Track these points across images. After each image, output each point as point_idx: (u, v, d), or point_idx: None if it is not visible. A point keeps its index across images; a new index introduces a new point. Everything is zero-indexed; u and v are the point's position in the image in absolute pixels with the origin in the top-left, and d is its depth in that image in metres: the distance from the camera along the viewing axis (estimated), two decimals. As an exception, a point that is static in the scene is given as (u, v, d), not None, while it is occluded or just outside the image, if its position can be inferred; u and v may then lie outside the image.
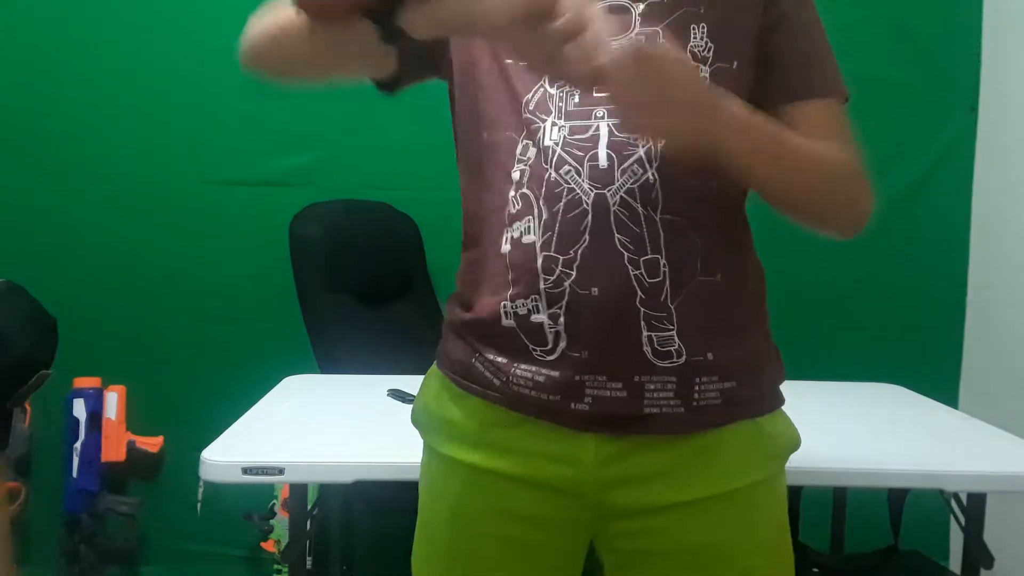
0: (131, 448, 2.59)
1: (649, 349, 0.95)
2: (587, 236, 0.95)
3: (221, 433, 1.63)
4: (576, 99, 0.98)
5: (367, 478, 1.54)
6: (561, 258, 0.96)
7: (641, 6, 0.99)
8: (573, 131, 0.97)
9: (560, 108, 0.98)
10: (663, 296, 0.95)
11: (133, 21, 2.59)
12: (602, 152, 0.96)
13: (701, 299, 0.96)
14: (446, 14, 0.78)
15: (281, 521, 2.50)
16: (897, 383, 2.16)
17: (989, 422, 1.84)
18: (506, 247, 0.99)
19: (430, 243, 2.64)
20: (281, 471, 1.51)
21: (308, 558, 2.34)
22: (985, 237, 2.70)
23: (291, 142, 2.64)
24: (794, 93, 1.02)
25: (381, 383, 1.98)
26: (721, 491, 1.00)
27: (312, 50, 0.93)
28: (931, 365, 2.67)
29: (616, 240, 0.95)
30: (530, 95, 1.00)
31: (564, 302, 0.95)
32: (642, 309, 0.95)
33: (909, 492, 2.01)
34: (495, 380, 1.01)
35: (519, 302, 0.98)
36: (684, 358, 0.96)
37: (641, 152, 0.95)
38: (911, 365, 2.47)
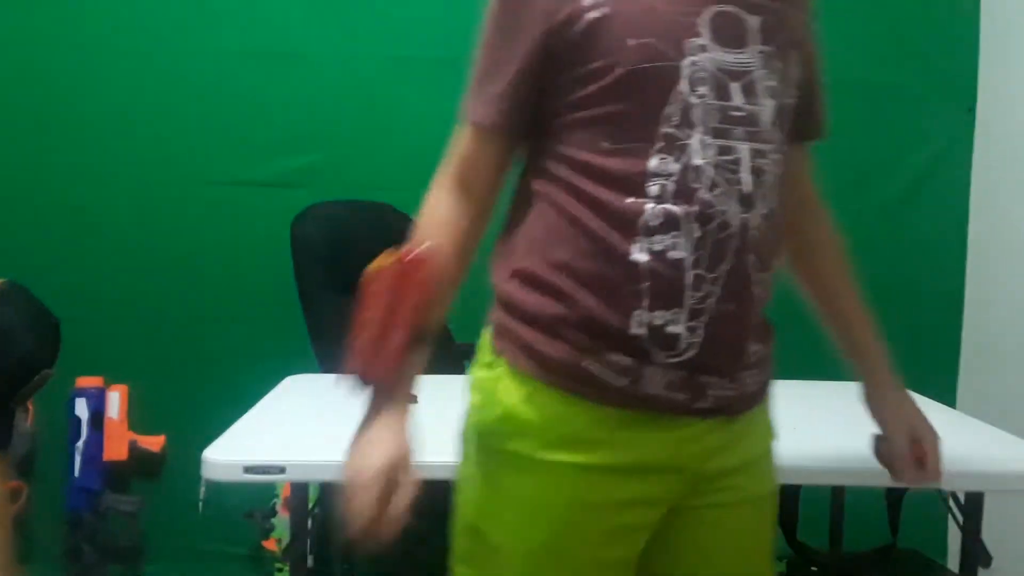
0: (133, 447, 2.60)
1: (751, 350, 1.07)
2: (732, 256, 1.00)
3: (222, 432, 1.63)
4: (719, 117, 1.00)
5: (368, 477, 1.54)
6: (708, 276, 1.00)
7: (757, 20, 1.03)
8: (721, 151, 1.00)
9: (705, 124, 0.99)
10: (763, 308, 1.07)
11: (134, 22, 2.60)
12: (746, 176, 1.01)
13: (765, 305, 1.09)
14: None
15: (282, 520, 2.51)
16: (895, 382, 2.17)
17: (986, 421, 1.84)
18: (640, 256, 0.99)
19: (430, 243, 2.64)
20: (282, 470, 1.51)
21: (309, 556, 2.35)
22: (982, 237, 2.71)
23: (293, 143, 2.65)
24: (807, 135, 1.17)
25: (382, 382, 1.99)
26: (765, 448, 1.16)
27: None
28: (929, 365, 2.67)
29: (749, 260, 1.02)
30: (671, 106, 0.99)
31: (707, 317, 1.00)
32: (754, 320, 1.06)
33: (907, 491, 2.02)
34: (617, 382, 1.02)
35: (658, 313, 1.00)
36: (761, 352, 1.08)
37: (771, 178, 1.03)
38: (908, 365, 2.46)
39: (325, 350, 2.29)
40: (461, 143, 1.12)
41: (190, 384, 2.62)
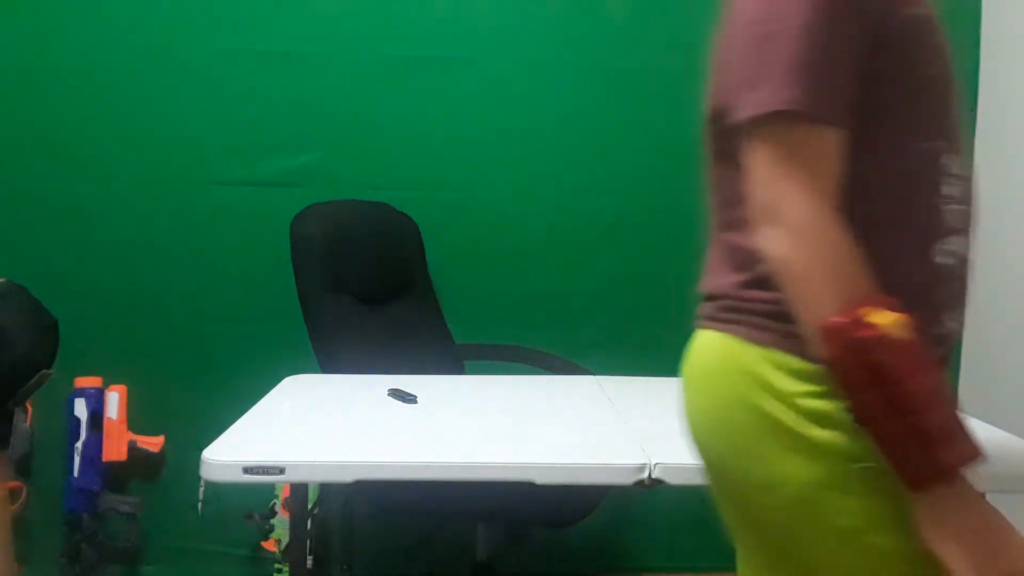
0: (132, 447, 2.60)
1: None
2: (971, 249, 1.03)
3: (222, 433, 1.63)
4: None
5: (368, 477, 1.54)
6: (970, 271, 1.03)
7: None
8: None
9: (960, 124, 1.01)
10: None
11: (135, 21, 2.59)
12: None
13: None
14: None
15: (282, 520, 2.50)
16: (896, 383, 2.17)
17: (986, 421, 1.84)
18: (943, 259, 0.98)
19: (430, 243, 2.64)
20: (282, 471, 1.51)
21: (309, 557, 2.35)
22: (983, 237, 2.71)
23: (292, 142, 2.65)
24: None
25: (381, 382, 1.99)
26: None
27: None
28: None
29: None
30: (952, 108, 1.00)
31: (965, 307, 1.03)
32: None
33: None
34: None
35: (955, 312, 1.01)
36: None
37: None
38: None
39: (325, 350, 2.29)
40: (826, 151, 0.92)
41: (190, 384, 2.62)
